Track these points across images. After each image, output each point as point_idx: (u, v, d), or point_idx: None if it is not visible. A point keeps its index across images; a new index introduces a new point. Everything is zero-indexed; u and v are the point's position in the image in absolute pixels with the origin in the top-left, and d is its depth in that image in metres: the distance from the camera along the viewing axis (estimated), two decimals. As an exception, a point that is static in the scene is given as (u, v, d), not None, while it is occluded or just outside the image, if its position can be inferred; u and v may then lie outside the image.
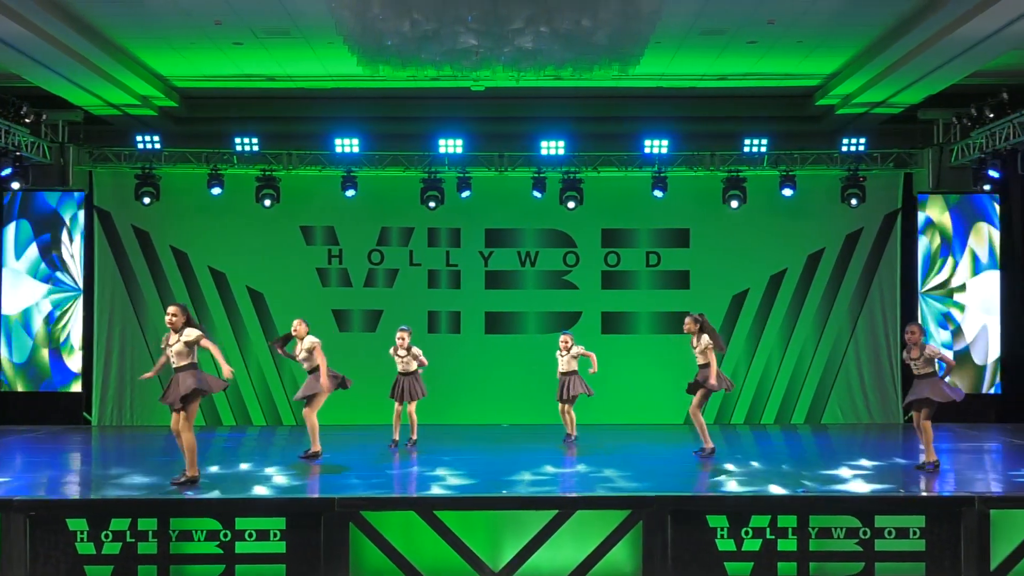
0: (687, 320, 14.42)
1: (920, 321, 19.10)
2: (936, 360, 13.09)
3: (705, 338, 14.25)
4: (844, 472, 13.22)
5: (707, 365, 14.23)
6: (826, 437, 17.74)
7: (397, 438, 15.50)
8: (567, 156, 18.64)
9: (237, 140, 18.38)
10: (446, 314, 19.52)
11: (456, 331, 19.50)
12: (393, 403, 15.46)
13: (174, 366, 11.70)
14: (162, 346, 11.91)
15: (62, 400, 19.18)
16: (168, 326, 11.71)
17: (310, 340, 13.84)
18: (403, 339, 15.32)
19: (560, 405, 16.09)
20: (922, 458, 13.36)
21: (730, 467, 13.67)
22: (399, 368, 15.39)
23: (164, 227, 19.30)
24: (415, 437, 15.57)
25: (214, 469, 13.37)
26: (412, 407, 15.48)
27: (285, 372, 19.16)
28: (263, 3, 13.78)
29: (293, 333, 13.98)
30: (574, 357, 15.94)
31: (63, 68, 15.45)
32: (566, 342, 15.96)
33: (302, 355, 13.91)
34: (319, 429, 14.00)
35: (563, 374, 15.99)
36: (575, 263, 19.58)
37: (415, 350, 15.38)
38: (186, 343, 11.58)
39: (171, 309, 11.73)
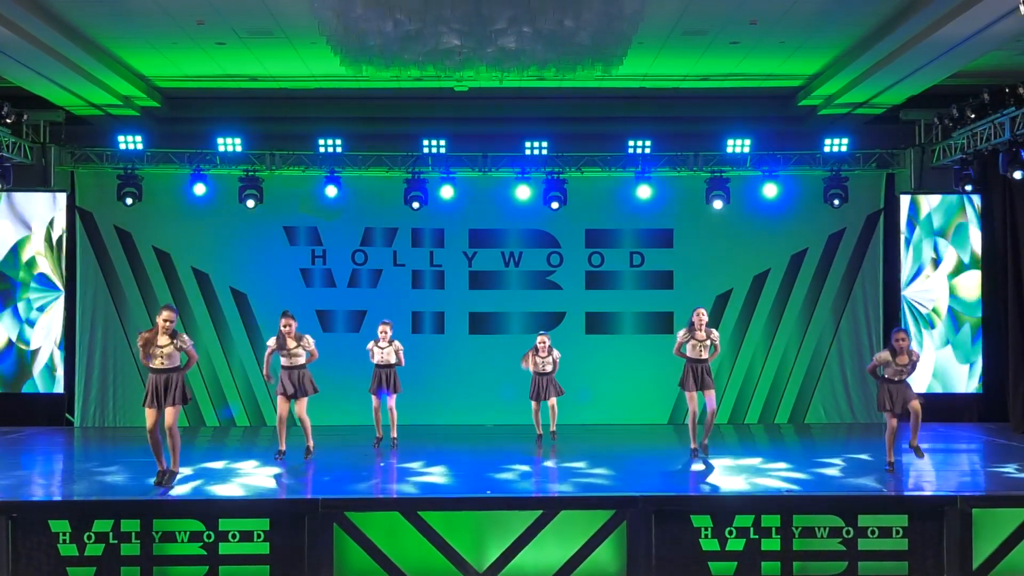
0: (705, 311, 14.34)
1: (902, 320, 19.19)
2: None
3: (716, 333, 14.32)
4: (827, 472, 13.27)
5: (704, 361, 14.18)
6: (809, 436, 17.78)
7: (381, 435, 15.54)
8: (550, 156, 18.65)
9: (220, 140, 18.33)
10: (430, 314, 19.49)
11: (440, 331, 19.49)
12: (371, 398, 15.49)
13: (167, 366, 11.87)
14: (145, 346, 11.89)
15: (44, 401, 19.08)
16: (163, 329, 11.80)
17: (310, 338, 14.19)
18: (385, 331, 15.36)
19: (535, 404, 16.10)
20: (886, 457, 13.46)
21: (714, 467, 13.70)
22: (377, 360, 15.39)
23: (147, 227, 19.22)
24: (395, 435, 15.56)
25: (198, 470, 13.33)
26: (392, 401, 15.49)
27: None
28: (245, 3, 13.73)
29: (285, 330, 14.00)
30: (554, 360, 15.96)
31: (44, 68, 15.38)
32: (544, 342, 15.95)
33: (302, 354, 14.00)
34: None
35: (540, 375, 15.99)
36: (559, 263, 19.58)
37: (396, 343, 15.42)
38: (178, 348, 11.89)
39: (169, 314, 11.89)
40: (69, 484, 13.11)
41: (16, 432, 17.83)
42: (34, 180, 18.91)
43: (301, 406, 14.18)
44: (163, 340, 11.83)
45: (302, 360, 14.08)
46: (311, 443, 14.30)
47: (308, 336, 14.24)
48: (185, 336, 12.06)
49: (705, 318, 14.31)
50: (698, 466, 13.87)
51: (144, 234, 19.22)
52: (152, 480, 12.01)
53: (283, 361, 14.09)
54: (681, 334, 14.39)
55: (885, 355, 13.12)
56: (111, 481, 12.47)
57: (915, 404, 13.05)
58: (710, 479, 13.02)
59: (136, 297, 19.10)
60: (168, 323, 11.86)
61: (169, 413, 11.92)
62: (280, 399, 14.09)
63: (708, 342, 14.25)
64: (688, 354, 14.31)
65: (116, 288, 19.15)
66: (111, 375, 19.01)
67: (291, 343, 14.02)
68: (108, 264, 19.16)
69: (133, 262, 19.19)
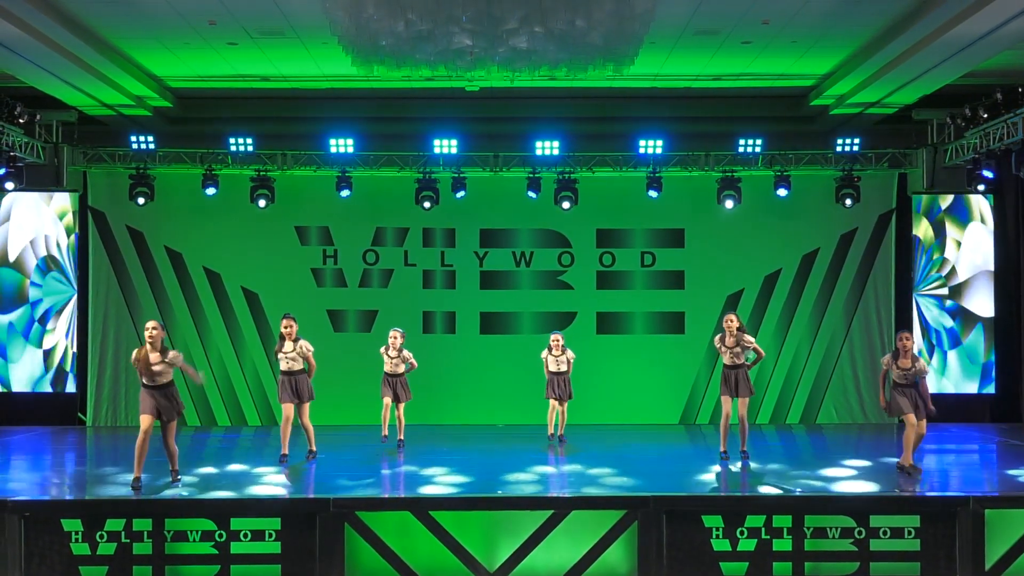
0: (735, 317, 14.12)
1: (914, 321, 19.14)
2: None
3: (748, 338, 14.02)
4: (839, 472, 13.23)
5: (740, 367, 13.98)
6: (821, 437, 17.75)
7: (387, 433, 15.49)
8: (562, 156, 18.61)
9: (231, 140, 18.34)
10: (441, 314, 19.50)
11: (451, 331, 19.50)
12: (381, 400, 15.45)
13: (162, 382, 11.93)
14: (140, 361, 11.91)
15: (57, 401, 19.14)
16: (150, 345, 11.82)
17: (307, 344, 14.00)
18: (395, 340, 15.30)
19: (552, 403, 16.05)
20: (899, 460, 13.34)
21: (727, 467, 13.69)
22: (387, 368, 15.35)
23: (158, 227, 19.27)
24: (401, 437, 15.53)
25: (209, 470, 13.36)
26: (401, 408, 15.48)
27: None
28: (257, 3, 13.75)
29: (286, 331, 13.95)
30: (568, 360, 15.93)
31: (57, 68, 15.42)
32: (558, 341, 15.93)
33: (299, 358, 13.92)
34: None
35: (553, 374, 15.96)
36: (570, 263, 19.57)
37: (406, 353, 15.37)
38: (168, 363, 11.95)
39: (154, 324, 11.91)
40: (81, 483, 13.15)
41: (28, 431, 17.88)
42: (47, 180, 18.95)
43: (304, 413, 14.09)
44: (153, 357, 11.87)
45: (299, 365, 13.98)
46: (314, 447, 14.26)
47: (306, 341, 14.00)
48: (172, 352, 12.02)
49: (734, 324, 14.04)
50: (733, 466, 13.81)
51: (156, 234, 19.27)
52: (131, 484, 11.94)
53: (281, 365, 14.02)
54: (715, 341, 14.29)
55: (887, 358, 13.07)
56: (123, 480, 12.49)
57: (922, 425, 12.95)
58: (721, 479, 13.00)
59: (148, 297, 19.14)
60: (154, 334, 11.86)
61: (170, 428, 12.02)
62: (284, 405, 14.02)
63: (739, 348, 14.00)
64: (724, 360, 14.13)
65: (128, 288, 19.19)
66: (123, 375, 19.03)
67: (288, 346, 13.95)
68: (120, 264, 19.21)
69: (145, 262, 19.24)
